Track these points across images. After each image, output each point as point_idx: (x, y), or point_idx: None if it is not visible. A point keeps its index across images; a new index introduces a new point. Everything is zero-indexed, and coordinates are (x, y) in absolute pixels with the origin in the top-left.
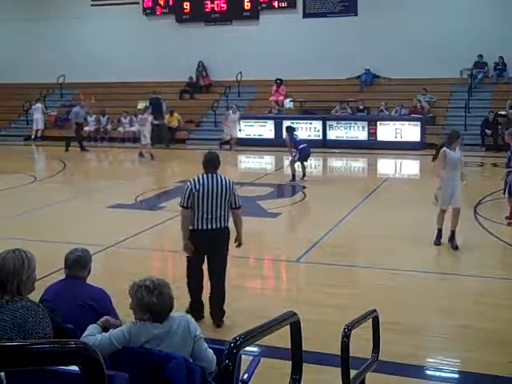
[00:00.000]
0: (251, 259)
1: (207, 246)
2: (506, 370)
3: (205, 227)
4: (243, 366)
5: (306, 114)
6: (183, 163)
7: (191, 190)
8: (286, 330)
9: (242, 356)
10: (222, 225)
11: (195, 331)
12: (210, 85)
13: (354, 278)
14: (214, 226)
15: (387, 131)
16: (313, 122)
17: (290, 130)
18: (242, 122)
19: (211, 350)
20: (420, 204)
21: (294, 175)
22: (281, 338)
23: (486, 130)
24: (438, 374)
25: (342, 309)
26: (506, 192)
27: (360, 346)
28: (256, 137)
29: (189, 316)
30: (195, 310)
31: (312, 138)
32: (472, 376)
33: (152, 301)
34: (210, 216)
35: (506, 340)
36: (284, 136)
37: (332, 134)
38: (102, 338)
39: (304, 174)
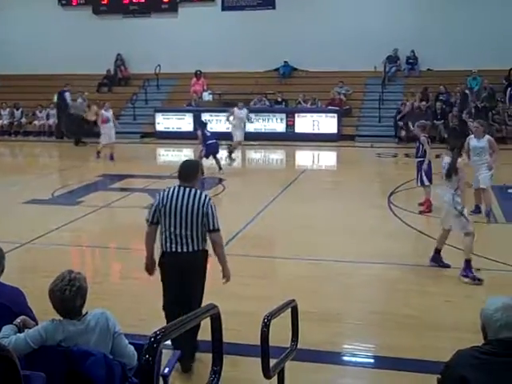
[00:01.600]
0: None
1: (177, 273)
2: (419, 354)
3: (173, 249)
4: (164, 360)
5: (224, 106)
6: (101, 157)
7: (158, 204)
8: (207, 322)
9: (163, 350)
10: (193, 248)
11: (114, 327)
12: (128, 78)
13: (273, 269)
14: (182, 249)
15: (305, 123)
16: None
17: (203, 125)
18: (160, 115)
19: (132, 346)
20: (337, 195)
21: (202, 171)
22: (202, 330)
23: (399, 122)
24: (354, 359)
25: (262, 299)
26: (419, 181)
27: (279, 335)
28: (175, 130)
29: (108, 312)
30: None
31: (230, 130)
32: (388, 360)
33: (61, 294)
34: (177, 237)
35: (420, 325)
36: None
37: (250, 127)
38: (17, 339)
39: (220, 168)
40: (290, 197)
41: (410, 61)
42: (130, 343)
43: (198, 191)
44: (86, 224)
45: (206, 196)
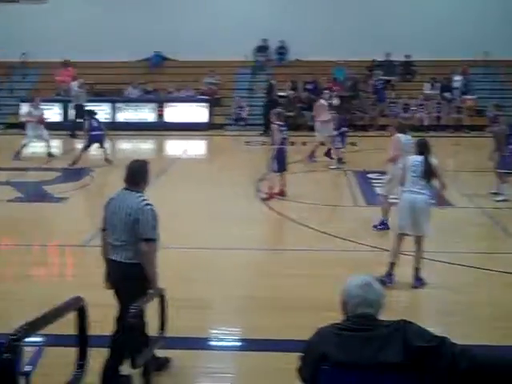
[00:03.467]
0: (36, 246)
1: (112, 282)
2: (284, 334)
3: (108, 256)
4: (27, 357)
5: (95, 96)
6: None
7: (104, 208)
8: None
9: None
10: (121, 257)
11: None
12: None
13: None
14: (112, 257)
15: (175, 113)
16: (102, 104)
17: (91, 113)
18: (26, 105)
19: None
20: (207, 183)
21: (74, 162)
22: (69, 324)
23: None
24: (221, 343)
25: None
26: (269, 168)
27: (148, 324)
28: None
29: None
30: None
31: (101, 120)
32: (253, 342)
33: None
34: (113, 243)
35: (284, 305)
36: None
37: (121, 117)
38: None
39: (106, 159)
40: (160, 186)
41: (280, 51)
42: None
43: (137, 195)
44: None
45: (142, 201)
